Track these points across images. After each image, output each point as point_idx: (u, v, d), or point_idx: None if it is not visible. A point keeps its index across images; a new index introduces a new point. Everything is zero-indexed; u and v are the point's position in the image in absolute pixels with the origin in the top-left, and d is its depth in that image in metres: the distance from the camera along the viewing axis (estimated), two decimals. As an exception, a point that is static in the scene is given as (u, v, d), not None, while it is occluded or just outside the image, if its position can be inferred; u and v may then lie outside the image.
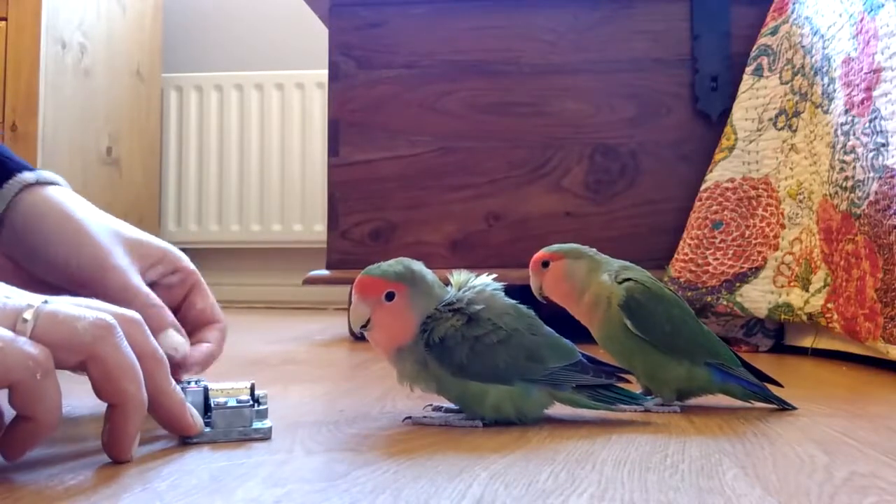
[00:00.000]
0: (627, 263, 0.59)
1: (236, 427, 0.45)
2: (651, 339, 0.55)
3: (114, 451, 0.39)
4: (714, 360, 0.56)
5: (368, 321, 0.50)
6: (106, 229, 0.53)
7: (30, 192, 0.53)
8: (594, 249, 0.60)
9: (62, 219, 0.52)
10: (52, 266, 0.50)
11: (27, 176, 0.53)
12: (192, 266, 0.58)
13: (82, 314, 0.38)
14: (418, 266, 0.52)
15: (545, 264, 0.59)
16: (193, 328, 0.57)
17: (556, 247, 0.60)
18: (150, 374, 0.41)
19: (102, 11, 1.79)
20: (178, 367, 0.51)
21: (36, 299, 0.38)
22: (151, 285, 0.55)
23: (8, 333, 0.35)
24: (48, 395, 0.36)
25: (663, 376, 0.56)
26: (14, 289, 0.39)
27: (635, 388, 0.55)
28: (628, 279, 0.57)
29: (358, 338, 1.18)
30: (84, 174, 1.73)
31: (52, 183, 0.54)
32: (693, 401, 0.58)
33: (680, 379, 0.56)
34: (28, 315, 0.36)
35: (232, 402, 0.46)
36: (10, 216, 0.52)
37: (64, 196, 0.54)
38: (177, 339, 0.51)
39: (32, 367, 0.35)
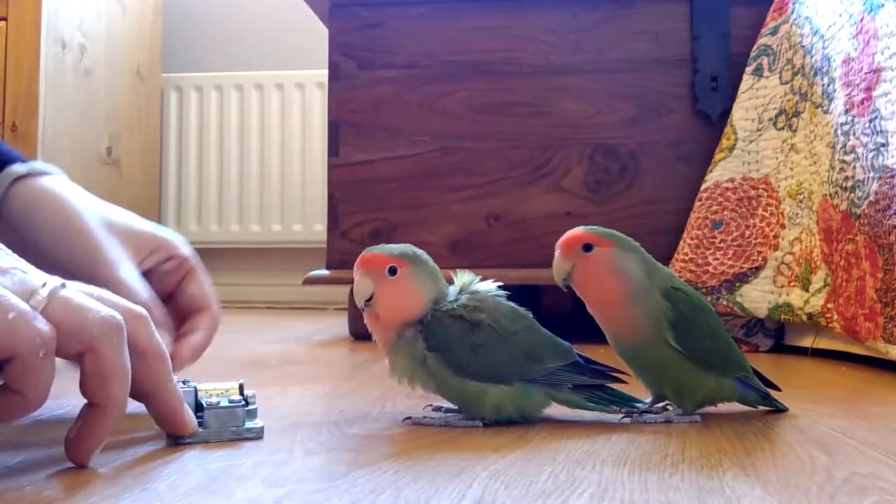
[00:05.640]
0: (668, 270, 0.54)
1: (229, 427, 0.45)
2: (691, 354, 0.51)
3: (76, 452, 0.38)
4: (741, 374, 0.54)
5: (372, 297, 0.50)
6: (100, 220, 0.53)
7: (22, 183, 0.52)
8: (636, 242, 0.53)
9: (55, 210, 0.52)
10: (45, 258, 0.50)
11: (18, 168, 0.53)
12: (187, 252, 0.57)
13: (95, 307, 0.38)
14: (421, 251, 0.52)
15: (587, 247, 0.51)
16: (184, 315, 0.57)
17: (599, 229, 0.51)
18: (152, 370, 0.41)
19: (102, 11, 1.79)
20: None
21: (53, 280, 0.37)
22: (148, 273, 0.55)
23: (23, 305, 0.35)
24: (45, 375, 0.35)
25: (693, 390, 0.52)
26: (32, 267, 0.39)
27: (630, 389, 0.55)
28: (669, 288, 0.51)
29: (358, 337, 1.18)
30: (84, 174, 1.73)
31: (45, 173, 0.54)
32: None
33: (708, 392, 0.53)
34: (44, 293, 0.36)
35: (224, 402, 0.46)
36: (3, 211, 0.52)
37: (58, 185, 0.53)
38: None
39: (39, 343, 0.35)
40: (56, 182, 0.54)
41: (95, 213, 0.53)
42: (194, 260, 0.58)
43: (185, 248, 0.57)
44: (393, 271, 0.50)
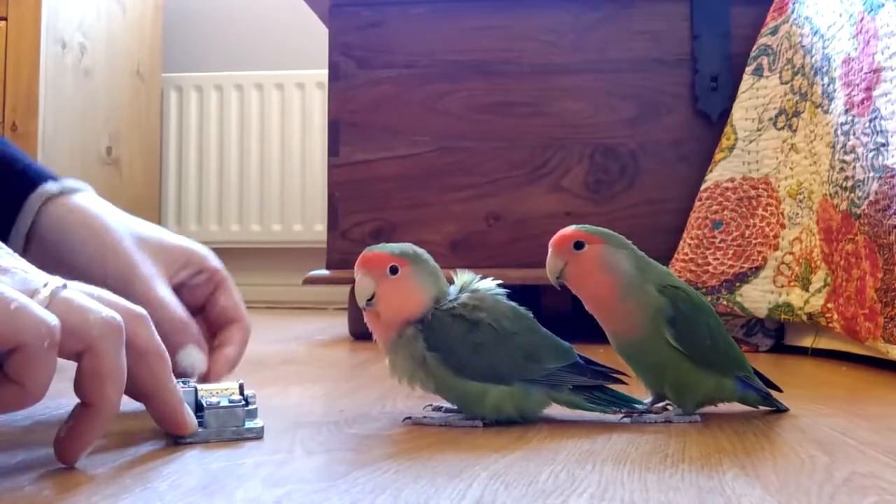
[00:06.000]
0: (663, 267, 0.54)
1: (229, 427, 0.45)
2: (690, 352, 0.51)
3: (66, 451, 0.38)
4: (741, 373, 0.54)
5: (373, 296, 0.50)
6: (132, 236, 0.54)
7: (54, 203, 0.53)
8: (629, 240, 0.53)
9: (88, 228, 0.52)
10: (80, 277, 0.50)
11: (51, 187, 0.53)
12: (217, 264, 0.59)
13: (96, 308, 0.38)
14: (421, 250, 0.52)
15: (578, 245, 0.51)
16: (216, 327, 0.58)
17: (590, 227, 0.52)
18: (152, 370, 0.41)
19: (102, 11, 1.79)
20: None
21: (55, 280, 0.37)
22: (179, 287, 0.55)
23: (25, 297, 0.35)
24: (48, 367, 0.35)
25: (693, 389, 0.52)
26: (34, 267, 0.39)
27: (630, 390, 0.55)
28: (668, 286, 0.52)
29: (358, 337, 1.18)
30: (84, 174, 1.73)
31: (76, 190, 0.54)
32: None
33: (708, 391, 0.53)
34: (45, 293, 0.36)
35: (224, 402, 0.46)
36: (37, 230, 0.52)
37: (89, 203, 0.54)
38: (195, 356, 0.52)
39: (44, 332, 0.34)
40: (87, 199, 0.54)
41: (127, 229, 0.54)
42: (224, 272, 0.58)
43: (214, 261, 0.59)
44: (394, 270, 0.50)
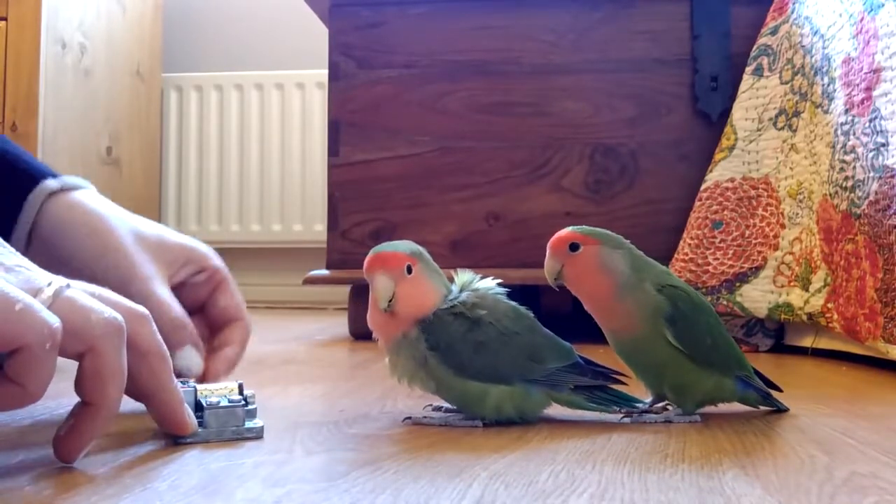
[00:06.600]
0: (662, 267, 0.54)
1: (229, 427, 0.45)
2: (691, 352, 0.51)
3: (66, 449, 0.38)
4: (742, 373, 0.54)
5: (393, 296, 0.49)
6: (132, 234, 0.54)
7: (55, 200, 0.53)
8: (627, 240, 0.53)
9: (88, 226, 0.53)
10: (80, 274, 0.50)
11: (51, 183, 0.53)
12: (218, 263, 0.58)
13: (98, 308, 0.38)
14: (421, 248, 0.52)
15: (574, 247, 0.52)
16: (216, 327, 0.58)
17: (586, 228, 0.52)
18: (153, 371, 0.41)
19: (102, 11, 1.79)
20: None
21: (58, 280, 0.38)
22: (179, 286, 0.55)
23: (30, 297, 0.35)
24: (48, 368, 0.35)
25: (693, 389, 0.53)
26: (35, 265, 0.39)
27: (630, 390, 0.55)
28: (666, 285, 0.52)
29: (358, 337, 1.18)
30: (84, 174, 1.71)
31: (76, 187, 0.55)
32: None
33: (708, 391, 0.53)
34: (49, 292, 0.36)
35: (224, 402, 0.46)
36: (38, 228, 0.52)
37: (90, 200, 0.54)
38: (192, 358, 0.52)
39: (47, 335, 0.34)
40: (88, 196, 0.55)
41: (128, 227, 0.54)
42: (225, 271, 0.58)
43: (215, 260, 0.59)
44: (409, 269, 0.50)
